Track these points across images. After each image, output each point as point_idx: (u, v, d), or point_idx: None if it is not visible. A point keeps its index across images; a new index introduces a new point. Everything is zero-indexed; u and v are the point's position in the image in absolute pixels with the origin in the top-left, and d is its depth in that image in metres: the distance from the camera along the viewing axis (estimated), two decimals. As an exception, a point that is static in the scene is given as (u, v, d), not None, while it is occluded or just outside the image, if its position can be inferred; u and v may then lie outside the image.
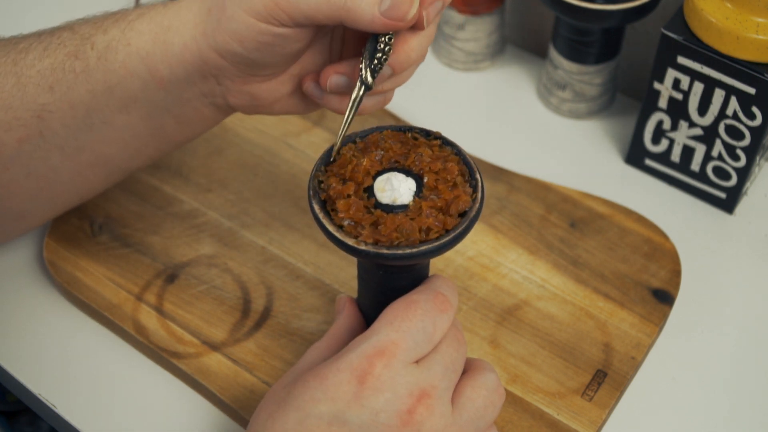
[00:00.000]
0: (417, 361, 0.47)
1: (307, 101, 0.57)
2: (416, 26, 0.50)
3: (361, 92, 0.50)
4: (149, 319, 0.62)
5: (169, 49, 0.53)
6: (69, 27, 0.56)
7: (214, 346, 0.60)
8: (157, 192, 0.69)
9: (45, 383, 0.60)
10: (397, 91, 0.79)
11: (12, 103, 0.54)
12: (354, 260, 0.65)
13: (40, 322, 0.63)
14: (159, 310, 0.62)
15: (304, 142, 0.73)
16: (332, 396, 0.45)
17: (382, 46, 0.49)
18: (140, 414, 0.59)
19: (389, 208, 0.47)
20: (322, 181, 0.49)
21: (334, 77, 0.53)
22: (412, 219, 0.46)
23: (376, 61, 0.49)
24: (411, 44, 0.51)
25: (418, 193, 0.48)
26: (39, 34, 0.56)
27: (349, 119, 0.50)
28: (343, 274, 0.64)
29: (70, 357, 0.62)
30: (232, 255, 0.65)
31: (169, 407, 0.59)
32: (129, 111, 0.55)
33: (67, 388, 0.60)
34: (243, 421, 0.58)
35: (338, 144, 0.49)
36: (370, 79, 0.49)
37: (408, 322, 0.47)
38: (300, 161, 0.72)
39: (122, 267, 0.65)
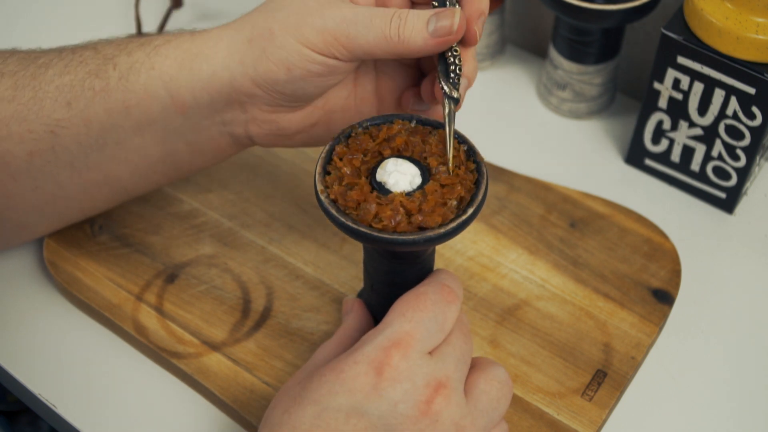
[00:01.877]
0: (430, 353, 0.47)
1: (326, 133, 0.57)
2: (469, 42, 0.52)
3: (452, 107, 0.51)
4: (149, 319, 0.62)
5: (195, 76, 0.53)
6: (92, 46, 0.56)
7: (214, 346, 0.60)
8: (157, 192, 0.69)
9: (45, 383, 0.60)
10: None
11: (27, 115, 0.55)
12: (354, 260, 0.65)
13: (41, 322, 0.63)
14: (159, 310, 0.62)
15: (304, 142, 0.73)
16: (350, 388, 0.45)
17: (452, 59, 0.51)
18: (140, 414, 0.59)
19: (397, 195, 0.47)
20: (329, 173, 0.49)
21: (412, 98, 0.56)
22: (420, 204, 0.47)
23: (452, 76, 0.51)
24: (471, 54, 0.53)
25: (424, 179, 0.48)
26: (60, 51, 0.56)
27: (451, 135, 0.50)
28: (343, 274, 0.64)
29: (70, 357, 0.62)
30: (232, 255, 0.65)
31: (169, 407, 0.59)
32: (143, 133, 0.55)
33: (67, 388, 0.60)
34: (243, 421, 0.58)
35: (450, 164, 0.49)
36: (456, 94, 0.51)
37: (420, 312, 0.47)
38: (300, 161, 0.72)
39: (122, 267, 0.65)
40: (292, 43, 0.51)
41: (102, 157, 0.56)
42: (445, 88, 0.51)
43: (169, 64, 0.54)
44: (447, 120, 0.50)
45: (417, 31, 0.50)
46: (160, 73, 0.54)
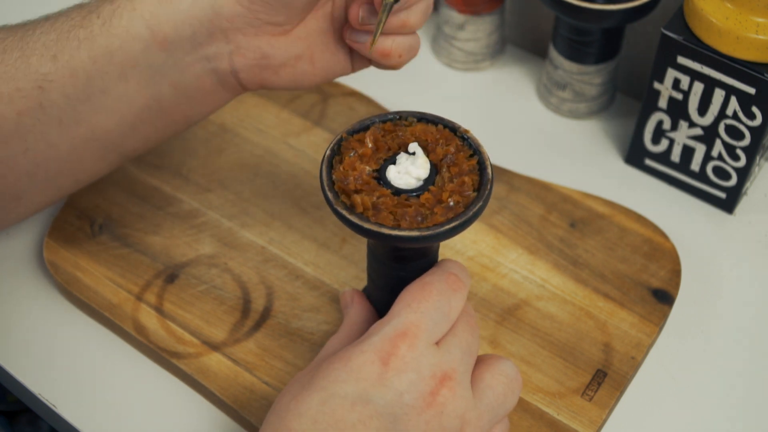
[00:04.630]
0: (437, 343, 0.47)
1: (311, 68, 0.57)
2: None
3: (390, 3, 0.51)
4: (149, 319, 0.62)
5: (176, 8, 0.53)
6: (78, 5, 0.57)
7: (214, 346, 0.60)
8: (157, 192, 0.69)
9: (45, 383, 0.60)
10: (396, 91, 0.80)
11: (15, 74, 0.55)
12: (354, 260, 0.65)
13: (40, 322, 0.63)
14: (159, 310, 0.62)
15: (304, 142, 0.73)
16: (356, 377, 0.46)
17: None
18: (140, 414, 0.59)
19: (403, 192, 0.48)
20: (334, 165, 0.49)
21: (363, 8, 0.54)
22: (427, 201, 0.47)
23: None
24: None
25: (431, 175, 0.49)
26: (47, 16, 0.57)
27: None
28: (343, 274, 0.64)
29: (70, 357, 0.62)
30: (232, 255, 0.65)
31: (169, 407, 0.59)
32: (127, 78, 0.55)
33: (67, 388, 0.60)
34: (243, 421, 0.58)
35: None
36: None
37: (425, 302, 0.47)
38: (300, 161, 0.72)
39: (122, 267, 0.65)
40: None
41: (89, 109, 0.56)
42: None
43: (150, 1, 0.54)
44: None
45: None
46: (141, 12, 0.54)
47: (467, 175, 0.49)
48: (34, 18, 0.58)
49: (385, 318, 0.48)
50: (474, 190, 0.48)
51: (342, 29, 0.57)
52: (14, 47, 0.55)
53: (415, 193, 0.48)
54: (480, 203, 0.47)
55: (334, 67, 0.58)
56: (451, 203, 0.47)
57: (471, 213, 0.47)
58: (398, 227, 0.46)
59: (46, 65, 0.55)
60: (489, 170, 0.49)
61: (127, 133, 0.59)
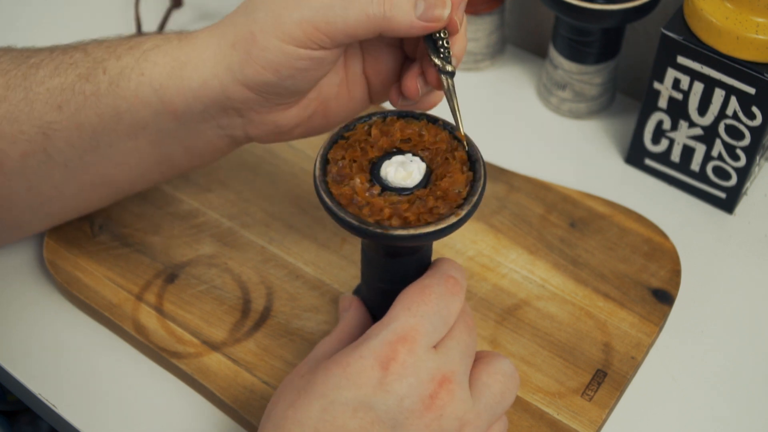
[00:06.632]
0: (435, 347, 0.47)
1: (324, 121, 0.57)
2: (452, 32, 0.52)
3: (450, 81, 0.51)
4: (149, 318, 0.62)
5: (185, 84, 0.52)
6: (82, 48, 0.56)
7: (214, 346, 0.60)
8: (157, 192, 0.69)
9: (45, 383, 0.60)
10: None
11: (18, 116, 0.54)
12: (354, 259, 0.65)
13: (40, 322, 0.63)
14: (159, 310, 0.62)
15: (304, 142, 0.73)
16: (356, 382, 0.45)
17: (441, 42, 0.51)
18: (140, 414, 0.59)
19: (399, 191, 0.48)
20: (328, 162, 0.49)
21: (419, 81, 0.53)
22: (422, 200, 0.47)
23: (443, 51, 0.51)
24: (460, 44, 0.53)
25: (426, 175, 0.49)
26: (51, 50, 0.56)
27: (458, 107, 0.51)
28: (343, 274, 0.64)
29: (70, 357, 0.62)
30: (232, 255, 0.65)
31: (169, 407, 0.59)
32: (137, 137, 0.55)
33: (67, 388, 0.60)
34: (243, 421, 0.58)
35: (464, 137, 0.50)
36: (450, 67, 0.51)
37: (424, 306, 0.47)
38: (300, 161, 0.72)
39: (122, 267, 0.65)
40: (274, 43, 0.50)
41: (96, 159, 0.56)
42: (438, 63, 0.51)
43: (159, 71, 0.53)
44: (448, 95, 0.51)
45: (403, 12, 0.49)
46: (150, 80, 0.53)
47: (460, 174, 0.49)
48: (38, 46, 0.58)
49: (383, 321, 0.48)
50: (467, 190, 0.48)
51: (357, 77, 0.56)
52: (18, 85, 0.54)
53: (408, 192, 0.48)
54: (473, 202, 0.47)
55: (348, 112, 0.58)
56: (444, 202, 0.47)
57: (464, 213, 0.47)
58: (391, 226, 0.46)
59: (50, 113, 0.54)
60: (482, 169, 0.49)
61: (134, 180, 0.59)
